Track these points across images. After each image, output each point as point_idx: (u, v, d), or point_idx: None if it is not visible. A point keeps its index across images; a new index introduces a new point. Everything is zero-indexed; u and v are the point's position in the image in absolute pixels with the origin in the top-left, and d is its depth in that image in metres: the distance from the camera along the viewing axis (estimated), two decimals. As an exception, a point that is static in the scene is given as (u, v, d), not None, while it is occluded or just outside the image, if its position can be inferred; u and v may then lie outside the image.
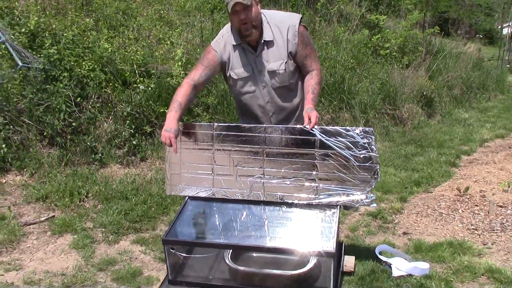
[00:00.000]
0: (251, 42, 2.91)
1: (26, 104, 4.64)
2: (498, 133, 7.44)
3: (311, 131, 2.83)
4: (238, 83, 3.01)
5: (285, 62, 2.94)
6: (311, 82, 2.98)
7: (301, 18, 2.97)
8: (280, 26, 2.92)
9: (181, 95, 2.90)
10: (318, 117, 2.85)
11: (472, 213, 4.09)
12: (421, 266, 3.19)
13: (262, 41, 2.90)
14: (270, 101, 3.02)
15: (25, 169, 4.49)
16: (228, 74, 3.02)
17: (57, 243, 3.64)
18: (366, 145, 2.82)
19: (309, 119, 2.81)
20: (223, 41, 2.97)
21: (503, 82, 12.30)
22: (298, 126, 2.89)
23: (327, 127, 2.89)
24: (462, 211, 4.14)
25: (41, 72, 4.74)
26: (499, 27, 21.97)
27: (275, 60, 2.93)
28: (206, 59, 2.98)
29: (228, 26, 2.99)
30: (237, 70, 2.98)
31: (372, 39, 8.87)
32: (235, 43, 2.94)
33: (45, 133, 4.70)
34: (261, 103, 3.03)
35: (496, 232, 3.77)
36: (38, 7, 5.63)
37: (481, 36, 25.35)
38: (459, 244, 3.57)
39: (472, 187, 4.54)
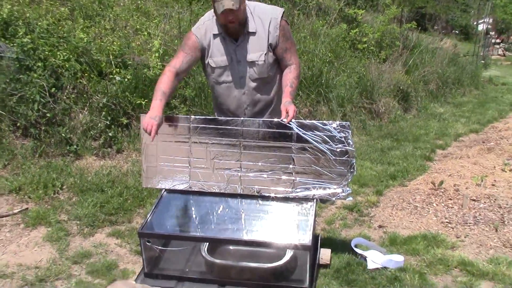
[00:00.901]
0: (233, 33, 2.90)
1: (-1, 94, 4.54)
2: (472, 128, 7.57)
3: (288, 124, 2.83)
4: (216, 71, 2.99)
5: (265, 54, 2.93)
6: (289, 76, 2.98)
7: (283, 12, 2.97)
8: (263, 18, 2.92)
9: (164, 84, 2.88)
10: (296, 111, 2.85)
11: (446, 207, 4.15)
12: (396, 259, 3.23)
13: (245, 32, 2.89)
14: (246, 93, 3.01)
15: (-3, 161, 4.41)
16: (206, 62, 3.00)
17: (31, 236, 3.58)
18: (343, 139, 2.83)
19: (287, 112, 2.81)
20: (204, 27, 2.95)
21: (478, 77, 12.51)
22: (275, 119, 2.89)
23: (304, 121, 2.90)
24: (437, 205, 4.20)
25: (14, 62, 4.63)
26: (475, 23, 22.28)
27: (255, 51, 2.92)
28: (187, 46, 2.97)
29: (210, 13, 2.96)
30: (216, 58, 2.96)
31: (350, 33, 8.92)
32: (216, 32, 2.92)
33: (18, 124, 4.60)
34: (236, 94, 3.01)
35: (469, 226, 3.84)
36: (12, -5, 5.51)
37: (457, 32, 25.70)
38: (433, 237, 3.63)
39: (447, 181, 4.61)
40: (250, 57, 2.93)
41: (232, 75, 2.98)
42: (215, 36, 2.94)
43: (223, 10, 2.71)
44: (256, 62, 2.94)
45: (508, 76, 14.92)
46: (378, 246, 3.47)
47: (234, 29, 2.86)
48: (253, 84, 3.00)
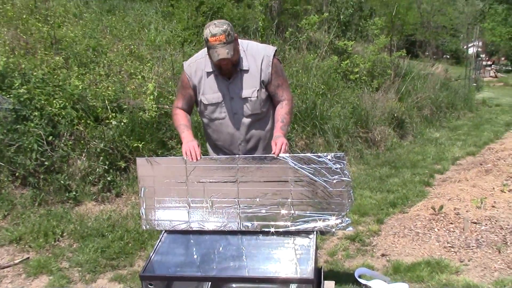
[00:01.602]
0: (226, 73, 2.97)
1: (-3, 145, 4.58)
2: (469, 150, 7.60)
3: (282, 159, 2.86)
4: (209, 108, 3.04)
5: (257, 90, 2.98)
6: (281, 111, 3.03)
7: (275, 51, 3.05)
8: (255, 56, 2.98)
9: (182, 119, 3.08)
10: (286, 144, 2.88)
11: (447, 231, 4.15)
12: (401, 287, 3.20)
13: (238, 69, 2.96)
14: (239, 129, 3.05)
15: (-3, 211, 4.41)
16: (199, 99, 3.05)
17: (33, 286, 3.56)
18: (339, 170, 2.85)
19: (276, 146, 2.85)
20: (195, 66, 3.02)
21: (471, 100, 12.63)
22: (269, 155, 2.91)
23: (298, 155, 2.92)
24: (438, 230, 4.19)
25: (11, 112, 4.69)
26: (465, 47, 22.61)
27: (248, 87, 2.98)
28: (182, 87, 3.08)
29: (204, 51, 3.02)
30: (208, 95, 3.01)
31: (342, 64, 9.05)
32: (209, 70, 2.98)
33: (17, 174, 4.62)
34: (230, 130, 3.05)
35: (472, 249, 3.82)
36: (7, 47, 5.61)
37: (447, 57, 26.06)
38: (436, 262, 3.61)
39: (447, 205, 4.61)
40: (244, 93, 2.98)
41: (225, 112, 3.03)
42: (208, 74, 2.99)
43: (218, 59, 2.78)
44: (249, 98, 2.98)
45: (501, 97, 15.07)
46: (382, 275, 3.45)
47: (227, 70, 2.93)
48: (247, 120, 3.04)
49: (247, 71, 2.97)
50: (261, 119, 3.07)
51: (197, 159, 2.91)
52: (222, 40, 2.75)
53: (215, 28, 2.77)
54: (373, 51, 9.99)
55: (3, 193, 4.50)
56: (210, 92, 3.00)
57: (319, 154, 2.88)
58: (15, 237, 4.10)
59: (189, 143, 2.91)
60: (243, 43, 3.01)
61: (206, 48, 2.98)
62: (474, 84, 15.83)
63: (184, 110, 3.11)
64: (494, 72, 24.70)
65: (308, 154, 2.90)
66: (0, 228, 4.25)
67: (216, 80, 2.99)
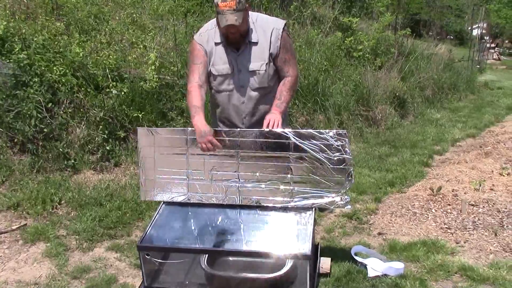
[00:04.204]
0: (234, 43, 2.93)
1: (-4, 111, 4.55)
2: (469, 132, 7.58)
3: (284, 134, 2.84)
4: (217, 79, 3.01)
5: (266, 64, 2.96)
6: (281, 88, 3.01)
7: (285, 24, 3.00)
8: (265, 28, 2.95)
9: (195, 100, 2.91)
10: (278, 121, 2.87)
11: (445, 212, 4.16)
12: (396, 266, 3.23)
13: (247, 41, 2.91)
14: (245, 102, 3.02)
15: (-5, 177, 4.41)
16: (208, 70, 3.01)
17: (30, 252, 3.57)
18: (340, 147, 2.84)
19: (269, 123, 2.86)
20: (206, 36, 2.98)
21: (473, 82, 12.54)
22: (265, 129, 2.89)
23: (300, 130, 2.91)
24: (435, 211, 4.20)
25: (11, 78, 4.65)
26: (469, 28, 22.40)
27: (256, 60, 2.94)
28: (195, 56, 2.99)
29: (213, 22, 2.97)
30: (217, 66, 2.97)
31: (345, 41, 8.95)
32: (218, 41, 2.94)
33: (15, 140, 4.61)
34: (236, 103, 3.03)
35: (468, 231, 3.84)
36: (7, 11, 5.53)
37: (451, 37, 25.83)
38: (432, 243, 3.63)
39: (445, 186, 4.61)
40: (251, 66, 2.95)
41: (233, 84, 3.00)
42: (216, 44, 2.96)
43: (226, 25, 2.74)
44: (257, 71, 2.95)
45: (504, 80, 14.98)
46: (378, 253, 3.47)
47: (235, 40, 2.89)
48: (253, 94, 3.01)
49: (256, 43, 2.94)
50: (268, 93, 3.03)
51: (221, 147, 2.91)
52: (232, 7, 2.70)
53: None
54: (378, 29, 9.87)
55: (1, 158, 4.49)
56: (219, 63, 2.97)
57: (321, 130, 2.87)
58: (13, 203, 4.10)
59: (203, 135, 2.83)
60: (253, 15, 2.96)
61: (214, 19, 2.94)
62: (477, 66, 15.72)
63: (202, 83, 2.96)
64: (498, 55, 24.52)
65: (310, 130, 2.88)
66: (-2, 194, 4.26)
67: (226, 51, 2.95)
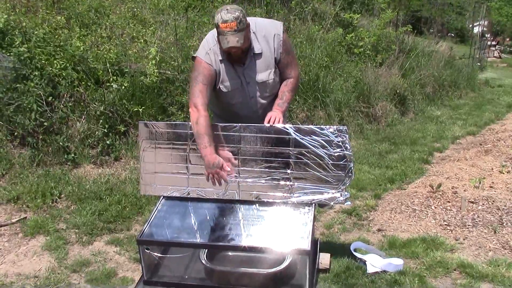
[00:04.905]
0: (236, 60, 2.90)
1: (-4, 104, 4.55)
2: (469, 130, 7.58)
3: (285, 130, 2.84)
4: (227, 95, 2.99)
5: (273, 72, 2.95)
6: (283, 89, 3.02)
7: (283, 25, 2.99)
8: (267, 36, 2.91)
9: (204, 128, 2.81)
10: (278, 119, 2.87)
11: (444, 209, 4.16)
12: (395, 262, 3.23)
13: (251, 54, 2.89)
14: (257, 111, 3.03)
15: (-5, 170, 4.41)
16: (217, 87, 2.96)
17: (29, 245, 3.57)
18: (340, 143, 2.84)
19: (269, 119, 2.86)
20: (212, 53, 2.88)
21: (474, 80, 12.52)
22: (266, 124, 2.88)
23: (301, 126, 2.91)
24: (435, 208, 4.21)
25: (11, 71, 4.64)
26: (470, 25, 22.36)
27: (263, 70, 2.93)
28: (205, 76, 2.86)
29: (213, 37, 2.90)
30: (226, 83, 2.94)
31: (346, 37, 8.94)
32: (221, 58, 2.89)
33: (16, 133, 4.60)
34: (248, 113, 3.03)
35: (467, 228, 3.84)
36: (8, 4, 5.52)
37: (452, 35, 25.79)
38: (432, 240, 3.63)
39: (444, 183, 4.61)
40: (260, 77, 2.94)
41: (242, 97, 2.99)
42: (221, 61, 2.90)
43: (227, 47, 2.71)
44: (267, 81, 2.96)
45: (504, 78, 14.96)
46: (377, 249, 3.47)
47: (236, 57, 2.86)
48: (264, 102, 3.03)
49: (260, 54, 2.90)
50: (275, 97, 3.04)
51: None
52: (233, 28, 2.66)
53: (226, 14, 2.66)
54: (379, 26, 9.85)
55: (1, 152, 4.49)
56: (227, 79, 2.93)
57: (321, 126, 2.87)
58: (13, 196, 4.10)
59: (212, 167, 2.84)
60: (251, 23, 2.87)
61: (212, 34, 2.91)
62: (478, 64, 15.69)
63: (206, 106, 2.85)
64: (498, 53, 24.47)
65: (311, 126, 2.88)
66: (-3, 187, 4.26)
67: (231, 66, 2.91)
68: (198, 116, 2.81)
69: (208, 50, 2.89)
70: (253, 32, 2.89)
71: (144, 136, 3.07)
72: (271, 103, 3.03)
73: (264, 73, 2.93)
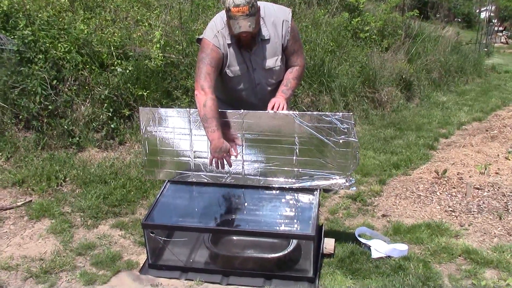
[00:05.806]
0: (245, 45, 2.86)
1: (0, 87, 4.52)
2: (476, 116, 7.54)
3: (290, 116, 2.83)
4: (233, 80, 2.96)
5: (280, 58, 2.93)
6: (288, 76, 3.00)
7: (292, 12, 2.95)
8: (276, 22, 2.88)
9: (212, 111, 2.77)
10: (282, 106, 2.86)
11: (449, 195, 4.15)
12: (400, 248, 3.23)
13: (259, 39, 2.86)
14: (262, 98, 3.01)
15: (0, 153, 4.40)
16: (224, 71, 2.93)
17: (35, 228, 3.59)
18: (346, 130, 2.82)
19: (273, 106, 2.85)
20: (221, 37, 2.84)
21: (481, 65, 12.42)
22: (270, 111, 2.87)
23: (306, 113, 2.89)
24: (440, 193, 4.19)
25: (15, 54, 4.62)
26: (477, 11, 22.13)
27: (270, 57, 2.91)
28: (212, 59, 2.82)
29: (221, 19, 2.86)
30: (232, 68, 2.92)
31: (352, 22, 8.86)
32: (229, 42, 2.86)
33: (20, 117, 4.60)
34: (253, 100, 3.01)
35: (472, 214, 3.83)
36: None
37: (459, 20, 25.53)
38: (436, 225, 3.62)
39: (450, 169, 4.59)
40: (267, 64, 2.91)
41: (248, 83, 2.97)
42: (229, 45, 2.87)
43: (238, 32, 2.67)
44: (274, 68, 2.94)
45: (511, 63, 14.83)
46: (382, 235, 3.47)
47: (247, 42, 2.82)
48: (269, 89, 3.01)
49: (268, 40, 2.87)
50: (280, 83, 3.03)
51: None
52: (245, 12, 2.61)
53: None
54: (385, 10, 9.77)
55: (6, 135, 4.49)
56: (234, 64, 2.90)
57: (326, 113, 2.85)
58: (18, 180, 4.11)
59: (219, 151, 2.82)
60: (260, 8, 2.82)
61: (220, 16, 2.87)
62: (485, 49, 15.55)
63: (213, 89, 2.81)
64: (506, 38, 24.22)
65: (316, 113, 2.87)
66: (3, 170, 4.26)
67: (239, 51, 2.88)
68: (206, 99, 2.77)
69: (216, 33, 2.84)
70: (262, 18, 2.84)
71: (146, 122, 3.06)
72: (275, 90, 3.01)
73: (271, 60, 2.90)
